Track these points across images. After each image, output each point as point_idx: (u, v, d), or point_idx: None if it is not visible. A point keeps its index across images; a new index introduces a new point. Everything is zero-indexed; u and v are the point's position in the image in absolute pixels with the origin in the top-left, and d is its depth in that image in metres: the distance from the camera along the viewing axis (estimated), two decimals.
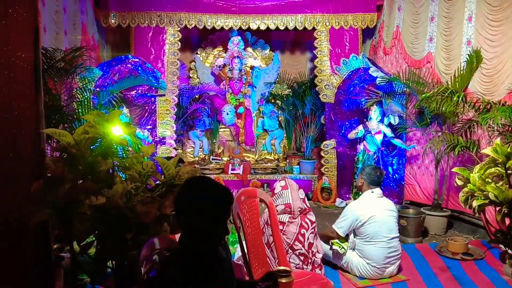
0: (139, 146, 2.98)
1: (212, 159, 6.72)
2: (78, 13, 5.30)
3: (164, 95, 5.99)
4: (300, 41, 7.21)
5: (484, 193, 2.52)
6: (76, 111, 3.85)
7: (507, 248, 2.41)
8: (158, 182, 2.31)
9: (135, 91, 5.82)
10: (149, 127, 5.96)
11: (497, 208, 2.48)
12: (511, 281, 3.49)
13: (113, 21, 6.06)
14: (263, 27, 6.36)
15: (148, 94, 5.92)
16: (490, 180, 2.58)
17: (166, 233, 2.07)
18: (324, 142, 6.36)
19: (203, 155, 6.82)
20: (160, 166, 2.17)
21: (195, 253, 1.62)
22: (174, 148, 6.21)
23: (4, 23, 1.94)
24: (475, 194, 2.59)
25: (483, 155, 3.82)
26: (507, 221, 2.41)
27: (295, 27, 6.36)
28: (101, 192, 2.01)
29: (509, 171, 2.56)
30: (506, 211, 2.41)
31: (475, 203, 2.59)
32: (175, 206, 1.65)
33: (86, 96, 4.13)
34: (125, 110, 5.52)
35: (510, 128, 3.93)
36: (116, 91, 4.88)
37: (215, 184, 1.69)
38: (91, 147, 2.25)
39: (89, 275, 2.75)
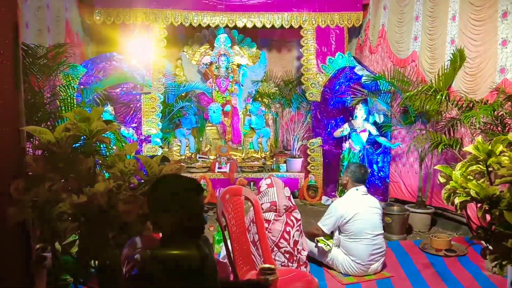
0: (123, 144, 2.95)
1: (199, 158, 6.70)
2: (62, 10, 5.22)
3: (149, 92, 5.95)
4: (287, 39, 7.22)
5: (466, 190, 2.54)
6: (60, 109, 3.79)
7: (487, 244, 2.44)
8: (141, 180, 2.29)
9: (120, 88, 5.77)
10: (134, 125, 5.92)
11: (478, 205, 2.50)
12: (492, 277, 3.55)
13: (97, 18, 5.99)
14: (249, 25, 6.36)
15: (133, 92, 5.86)
16: (471, 178, 2.60)
17: (148, 232, 2.06)
18: (310, 140, 6.38)
19: (190, 154, 6.79)
20: (143, 164, 2.15)
21: (176, 249, 1.62)
22: (160, 147, 6.17)
23: None
24: (457, 191, 2.62)
25: (465, 153, 3.88)
26: (488, 217, 2.44)
27: (282, 26, 6.37)
28: (82, 190, 1.98)
29: (490, 169, 2.59)
30: (486, 208, 2.44)
31: (457, 200, 2.61)
32: (148, 207, 1.66)
33: (69, 94, 4.07)
34: (110, 108, 5.47)
35: (491, 126, 3.99)
36: (100, 89, 4.83)
37: (180, 177, 1.72)
38: (73, 146, 2.22)
39: (72, 275, 2.71)
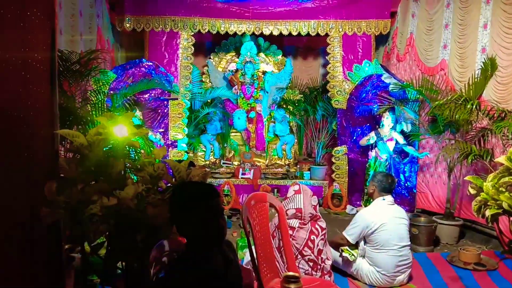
0: (151, 148, 3.00)
1: (223, 163, 6.74)
2: (94, 17, 5.38)
3: (176, 98, 6.04)
4: (313, 46, 7.21)
5: (498, 202, 2.49)
6: (90, 113, 3.89)
7: None
8: (169, 184, 2.32)
9: (148, 94, 5.88)
10: (161, 130, 6.01)
11: (511, 218, 2.43)
12: None
13: (128, 25, 6.14)
14: (276, 33, 6.39)
15: (161, 98, 5.97)
16: (504, 189, 2.54)
17: (176, 235, 2.08)
18: (335, 148, 6.33)
19: (214, 159, 6.85)
20: (171, 168, 2.18)
21: (201, 254, 1.64)
22: (186, 152, 6.24)
23: (22, 25, 1.98)
24: (488, 203, 2.56)
25: (497, 164, 3.77)
26: None
27: (308, 33, 6.37)
28: (112, 193, 2.02)
29: None
30: None
31: (488, 212, 2.56)
32: (169, 215, 1.69)
33: (100, 99, 4.18)
34: (138, 113, 5.57)
35: None
36: (129, 94, 4.93)
37: (197, 183, 1.73)
38: (104, 149, 2.28)
39: (99, 276, 2.77)
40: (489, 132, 4.47)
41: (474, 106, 4.47)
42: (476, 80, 4.70)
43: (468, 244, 4.78)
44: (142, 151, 3.95)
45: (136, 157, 3.02)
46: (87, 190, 2.02)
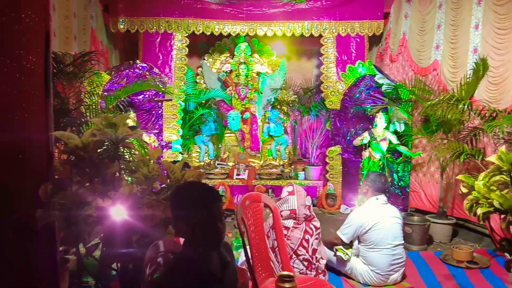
0: (146, 149, 3.01)
1: (218, 164, 6.76)
2: (88, 19, 5.37)
3: (171, 100, 6.05)
4: (307, 47, 7.25)
5: (489, 200, 2.51)
6: (84, 115, 3.89)
7: None
8: (163, 185, 2.33)
9: (142, 95, 5.89)
10: (155, 131, 6.02)
11: (502, 216, 2.47)
12: None
13: (122, 26, 6.14)
14: (270, 34, 6.41)
15: (155, 99, 5.97)
16: (494, 188, 2.57)
17: (171, 236, 2.10)
18: (329, 149, 6.36)
19: (209, 160, 6.86)
20: (166, 169, 2.19)
21: (198, 255, 1.65)
22: (180, 153, 6.25)
23: (17, 28, 1.98)
24: (480, 202, 2.59)
25: (488, 163, 3.82)
26: None
27: (302, 34, 6.40)
28: (107, 194, 2.03)
29: None
30: (510, 219, 2.41)
31: (479, 211, 2.58)
32: (172, 214, 1.69)
33: (94, 100, 4.18)
34: (133, 114, 5.58)
35: None
36: (123, 96, 4.93)
37: (200, 185, 1.73)
38: (98, 150, 2.29)
39: (94, 278, 2.77)
40: (480, 131, 4.52)
41: (466, 106, 4.52)
42: (468, 80, 4.75)
43: (461, 242, 4.83)
44: (137, 152, 3.95)
45: (131, 158, 3.03)
46: (81, 192, 2.03)
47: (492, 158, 2.63)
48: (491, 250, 4.29)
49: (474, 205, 2.62)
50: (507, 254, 2.45)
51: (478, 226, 4.69)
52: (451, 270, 3.97)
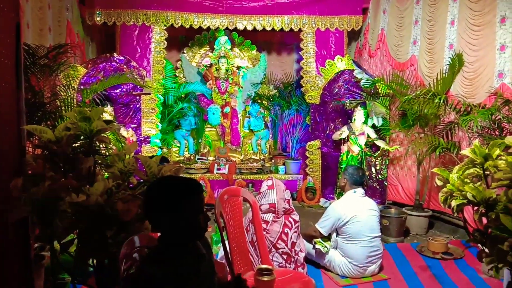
0: (122, 144, 2.97)
1: (198, 159, 6.72)
2: (63, 10, 5.24)
3: (149, 93, 5.97)
4: (287, 42, 7.25)
5: (463, 193, 2.56)
6: (60, 108, 3.80)
7: (484, 247, 2.46)
8: (141, 180, 2.30)
9: (120, 89, 5.79)
10: (133, 126, 5.93)
11: (475, 208, 2.52)
12: (488, 279, 3.56)
13: (98, 18, 6.02)
14: (250, 28, 6.39)
15: (133, 93, 5.88)
16: (468, 181, 2.62)
17: (147, 231, 2.07)
18: (309, 143, 6.40)
19: (189, 155, 6.81)
20: (143, 164, 2.16)
21: (174, 249, 1.63)
22: (159, 147, 6.18)
23: None
24: (454, 194, 2.64)
25: (463, 156, 3.90)
26: (484, 220, 2.46)
27: (282, 28, 6.40)
28: (81, 189, 1.99)
29: (486, 172, 2.61)
30: (483, 211, 2.46)
31: (453, 203, 2.63)
32: (144, 209, 1.66)
33: (69, 94, 4.09)
34: (110, 108, 5.48)
35: (489, 130, 4.02)
36: (100, 89, 4.83)
37: (178, 178, 1.70)
38: (73, 145, 2.24)
39: (70, 274, 2.72)
40: (456, 125, 4.62)
41: (442, 101, 4.61)
42: (444, 75, 4.84)
43: (437, 234, 4.94)
44: (114, 147, 3.89)
45: (107, 153, 2.97)
46: (55, 187, 1.98)
47: (466, 151, 2.68)
48: (465, 241, 4.41)
49: (449, 197, 2.67)
50: (479, 245, 2.50)
51: (453, 218, 4.80)
52: (427, 261, 4.06)
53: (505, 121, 3.89)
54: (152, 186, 1.68)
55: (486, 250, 2.42)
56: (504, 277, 2.93)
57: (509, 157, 2.44)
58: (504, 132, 3.89)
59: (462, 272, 3.79)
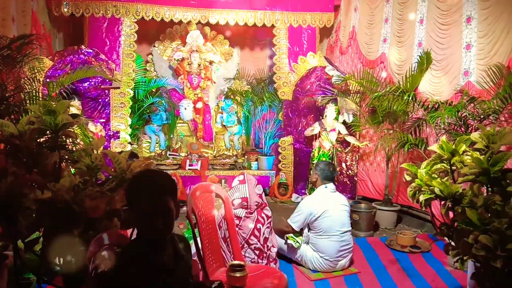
0: (90, 139, 2.88)
1: (169, 155, 6.63)
2: (28, 0, 5.03)
3: (119, 87, 5.82)
4: (260, 38, 7.23)
5: (430, 188, 2.62)
6: (24, 102, 3.66)
7: (450, 241, 2.53)
8: (109, 176, 2.24)
9: (88, 83, 5.61)
10: (102, 120, 5.77)
11: (442, 202, 2.59)
12: (453, 271, 3.68)
13: (65, 9, 5.82)
14: (222, 22, 6.33)
15: (102, 86, 5.71)
16: (436, 176, 2.69)
17: (116, 228, 2.02)
18: (281, 139, 6.42)
19: (160, 150, 6.71)
20: (111, 159, 2.10)
21: (147, 247, 1.60)
22: (129, 143, 6.05)
23: None
24: (422, 189, 2.70)
25: (430, 152, 4.01)
26: (451, 214, 2.53)
27: (255, 24, 6.37)
28: (47, 186, 1.92)
29: (453, 167, 2.68)
30: (450, 205, 2.53)
31: (421, 198, 2.69)
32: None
33: (34, 87, 3.94)
34: (77, 102, 5.32)
35: (455, 127, 4.14)
36: (67, 82, 4.68)
37: (152, 173, 1.70)
38: (38, 139, 2.15)
39: (35, 274, 2.62)
40: (424, 122, 4.73)
41: (410, 98, 4.70)
42: (412, 73, 4.94)
43: (405, 228, 5.06)
44: (81, 142, 3.78)
45: (74, 148, 2.88)
46: (18, 183, 1.90)
47: (434, 147, 2.74)
48: (432, 235, 4.54)
49: (417, 192, 2.73)
50: (446, 238, 2.57)
51: (421, 212, 4.93)
52: (396, 254, 4.15)
53: (471, 118, 4.01)
54: (131, 180, 1.69)
55: (452, 243, 2.49)
56: (468, 269, 3.03)
57: (475, 152, 2.52)
58: (470, 129, 4.01)
59: (429, 264, 3.89)
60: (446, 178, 2.69)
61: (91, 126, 5.33)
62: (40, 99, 3.96)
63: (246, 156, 6.76)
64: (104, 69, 5.52)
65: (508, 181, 2.29)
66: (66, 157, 2.20)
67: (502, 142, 2.50)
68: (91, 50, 5.62)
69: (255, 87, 6.83)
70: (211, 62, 6.81)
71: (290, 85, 6.33)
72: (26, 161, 2.03)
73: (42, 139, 2.21)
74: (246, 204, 3.39)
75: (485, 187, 2.44)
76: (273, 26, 6.41)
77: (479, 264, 2.34)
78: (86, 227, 1.94)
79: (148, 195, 1.59)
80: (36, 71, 4.21)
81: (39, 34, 5.17)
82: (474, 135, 2.59)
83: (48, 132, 2.15)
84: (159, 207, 1.59)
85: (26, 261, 2.60)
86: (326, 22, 6.46)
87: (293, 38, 6.44)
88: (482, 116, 3.91)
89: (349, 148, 5.91)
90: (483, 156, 2.40)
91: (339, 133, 5.83)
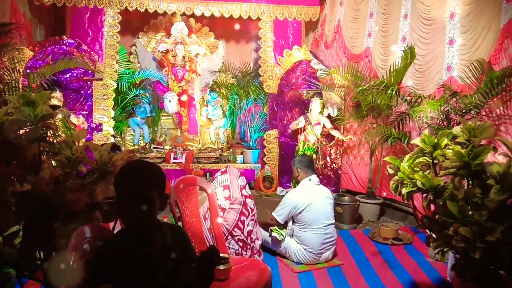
0: (71, 131, 2.82)
1: (153, 148, 6.57)
2: None
3: (101, 79, 5.73)
4: (245, 30, 7.20)
5: (413, 181, 2.66)
6: (3, 93, 3.57)
7: (431, 233, 2.57)
8: (91, 168, 2.20)
9: (69, 74, 5.50)
10: (84, 112, 5.68)
11: (424, 195, 2.63)
12: (434, 263, 3.75)
13: None
14: (207, 14, 6.27)
15: (84, 78, 5.61)
16: (418, 169, 2.72)
17: (97, 221, 1.99)
18: (267, 132, 6.43)
19: (144, 143, 6.64)
20: (92, 151, 2.06)
21: (130, 238, 1.59)
22: (112, 136, 5.97)
23: None
24: (404, 182, 2.73)
25: (413, 146, 4.06)
26: (432, 207, 2.57)
27: (240, 16, 6.33)
28: (26, 178, 1.87)
29: (435, 161, 2.72)
30: (431, 198, 2.57)
31: (404, 190, 2.72)
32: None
33: (14, 78, 3.86)
34: (59, 94, 5.21)
35: (438, 121, 4.19)
36: (48, 73, 4.58)
37: (138, 163, 1.72)
38: (17, 131, 2.10)
39: (15, 268, 2.58)
40: (407, 116, 4.78)
41: (394, 92, 4.74)
42: (396, 67, 4.97)
43: (388, 220, 5.13)
44: (63, 134, 3.71)
45: (55, 140, 2.82)
46: None
47: (416, 141, 2.78)
48: (414, 227, 4.61)
49: (399, 185, 2.77)
50: (427, 231, 2.61)
51: (403, 205, 5.00)
52: (378, 247, 4.21)
53: (453, 113, 4.07)
54: (118, 170, 1.70)
55: (434, 235, 2.53)
56: (448, 260, 3.09)
57: (456, 146, 2.56)
58: (452, 123, 4.07)
59: (411, 256, 3.95)
60: (428, 172, 2.73)
61: (73, 118, 5.24)
62: (20, 90, 3.87)
63: (231, 150, 6.75)
64: (87, 60, 5.42)
65: (487, 174, 2.34)
66: (47, 149, 2.16)
67: (483, 136, 2.55)
68: (73, 41, 5.51)
69: (240, 80, 6.80)
70: (196, 55, 6.75)
71: (275, 78, 6.32)
72: (4, 153, 1.98)
73: (21, 131, 2.16)
74: (228, 193, 3.38)
75: (466, 180, 2.49)
76: (258, 18, 6.38)
77: (459, 255, 2.39)
78: (67, 220, 1.90)
79: (129, 182, 1.59)
80: (16, 61, 4.12)
81: (19, 23, 5.05)
82: (456, 129, 2.63)
83: (27, 123, 2.10)
84: (138, 195, 1.57)
85: (6, 255, 2.55)
86: (312, 15, 6.46)
87: (279, 31, 6.42)
88: (464, 111, 3.97)
89: (333, 141, 5.94)
90: (464, 149, 2.44)
91: (324, 127, 5.86)
